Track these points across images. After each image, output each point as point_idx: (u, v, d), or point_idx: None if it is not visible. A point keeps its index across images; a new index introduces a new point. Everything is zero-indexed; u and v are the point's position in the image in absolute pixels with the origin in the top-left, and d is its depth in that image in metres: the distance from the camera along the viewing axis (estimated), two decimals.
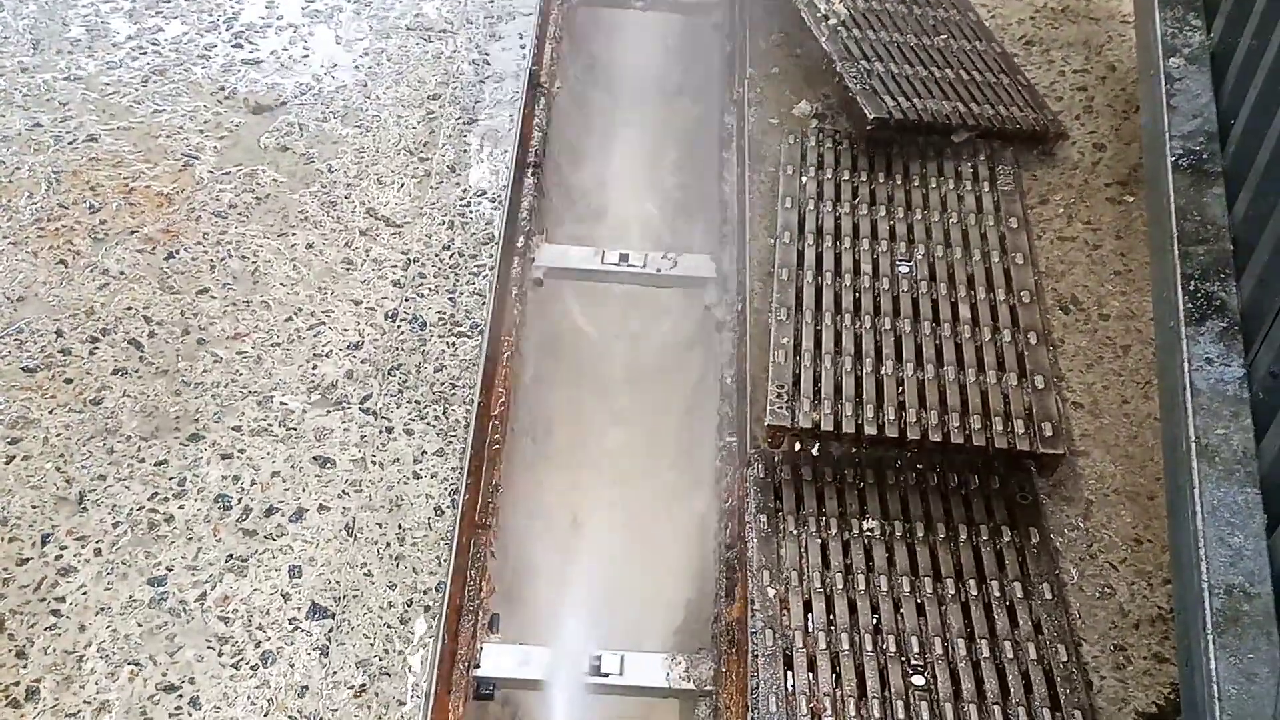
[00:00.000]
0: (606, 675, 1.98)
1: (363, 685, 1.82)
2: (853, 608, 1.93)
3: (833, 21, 2.86)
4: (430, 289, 2.36)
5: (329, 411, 2.16)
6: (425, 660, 1.85)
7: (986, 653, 1.88)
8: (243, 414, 2.14)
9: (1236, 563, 1.67)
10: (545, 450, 2.49)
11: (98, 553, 1.94)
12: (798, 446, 2.15)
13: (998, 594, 1.96)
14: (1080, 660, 1.89)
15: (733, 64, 3.00)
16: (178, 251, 2.39)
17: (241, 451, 2.09)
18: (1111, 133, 2.76)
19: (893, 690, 1.83)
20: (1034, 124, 2.69)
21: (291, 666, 1.84)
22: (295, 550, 1.97)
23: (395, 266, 2.40)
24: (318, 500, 2.03)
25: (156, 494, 2.02)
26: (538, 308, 2.60)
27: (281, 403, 2.16)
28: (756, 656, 1.87)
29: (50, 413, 2.12)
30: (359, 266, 2.39)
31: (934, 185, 2.58)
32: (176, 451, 2.08)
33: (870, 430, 2.11)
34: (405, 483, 2.07)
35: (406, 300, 2.34)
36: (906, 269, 2.39)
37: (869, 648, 1.88)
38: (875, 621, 1.92)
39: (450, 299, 2.35)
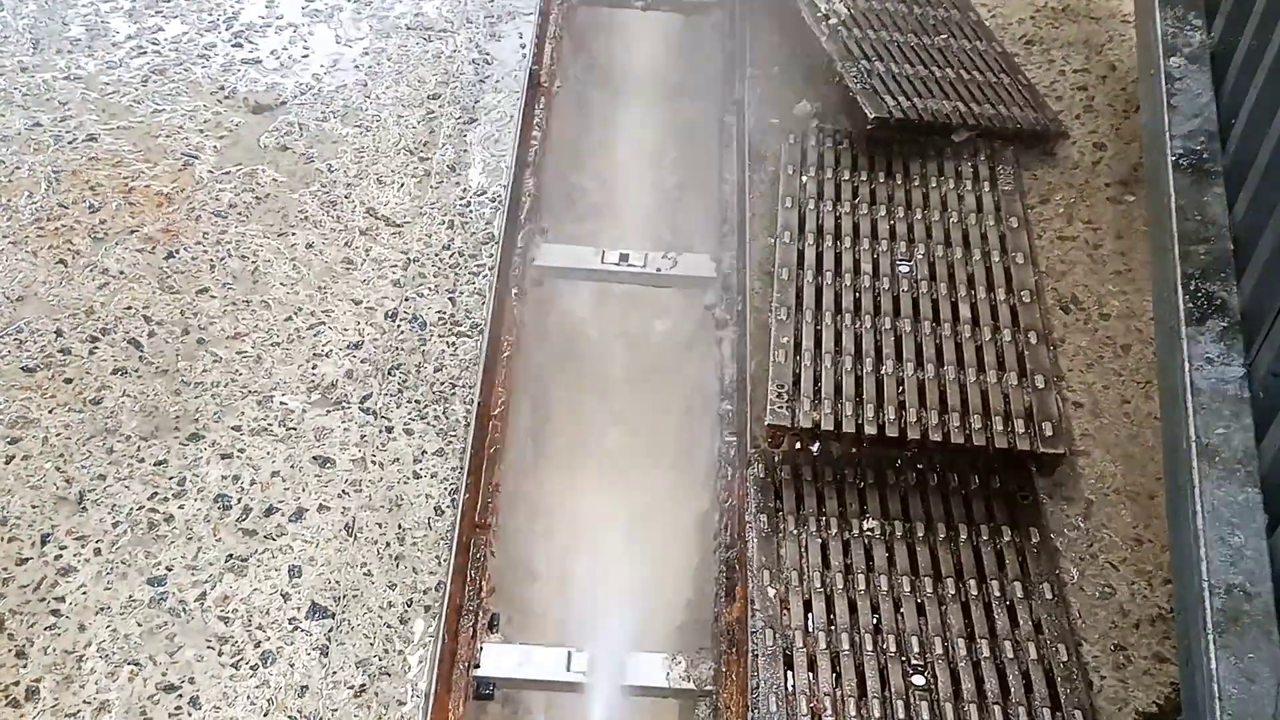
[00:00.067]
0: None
1: (363, 685, 1.82)
2: (853, 607, 1.93)
3: (833, 21, 2.85)
4: (430, 289, 2.36)
5: (329, 411, 2.16)
6: (425, 660, 1.85)
7: (987, 652, 1.88)
8: (242, 414, 2.14)
9: (1237, 562, 1.67)
10: (545, 450, 2.49)
11: (97, 552, 1.94)
12: (798, 446, 2.15)
13: (998, 594, 1.96)
14: (1080, 660, 1.89)
15: (733, 63, 3.00)
16: (177, 251, 2.39)
17: (241, 451, 2.09)
18: (1112, 132, 2.76)
19: (893, 690, 1.83)
20: (1034, 123, 2.69)
21: (291, 666, 1.84)
22: (295, 550, 1.97)
23: (395, 266, 2.40)
24: (318, 500, 2.03)
25: (156, 494, 2.02)
26: (538, 307, 2.60)
27: (281, 402, 2.16)
28: (756, 656, 1.87)
29: (50, 412, 2.12)
30: (359, 266, 2.39)
31: (934, 185, 2.58)
32: (176, 451, 2.08)
33: (870, 430, 2.11)
34: (405, 482, 2.07)
35: (406, 300, 2.34)
36: (907, 269, 2.39)
37: (869, 647, 1.88)
38: (875, 621, 1.92)
39: (450, 299, 2.35)
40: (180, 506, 2.01)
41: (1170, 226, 2.03)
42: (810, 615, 1.93)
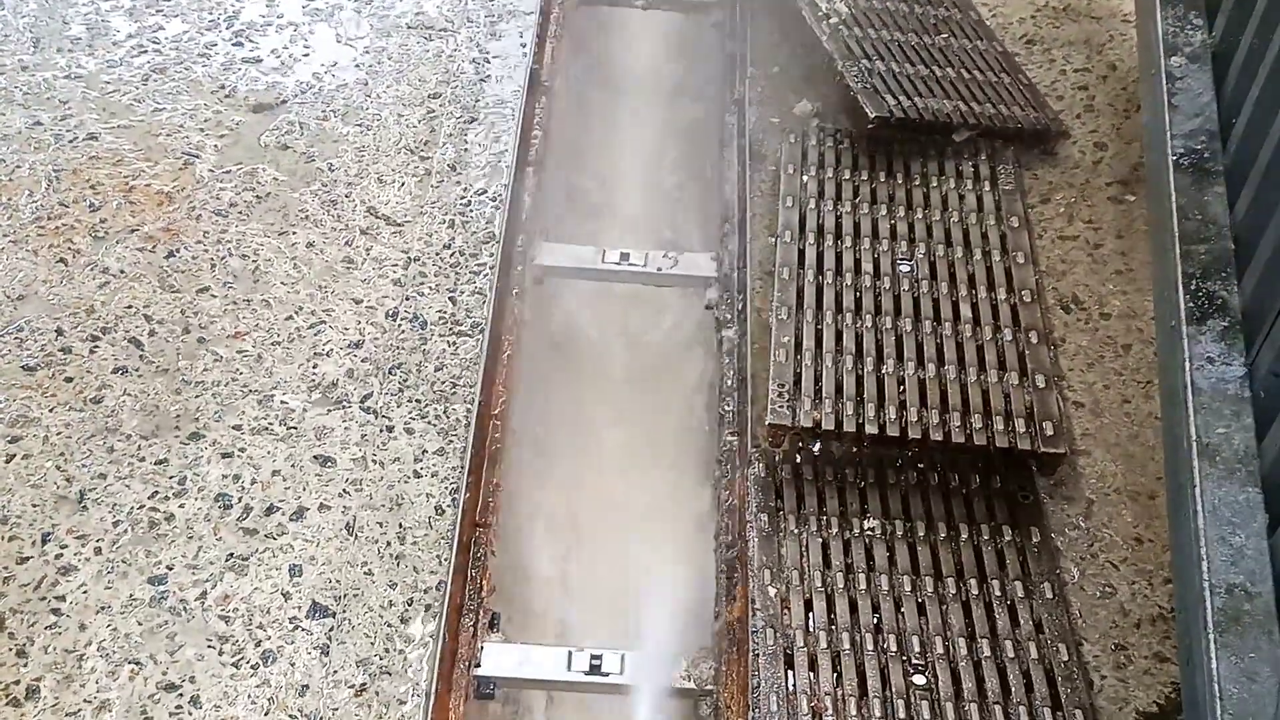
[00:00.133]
0: (607, 675, 1.98)
1: (363, 684, 1.82)
2: (854, 607, 1.93)
3: (834, 20, 2.85)
4: (431, 288, 2.36)
5: (329, 410, 2.15)
6: (426, 659, 1.85)
7: (987, 652, 1.88)
8: (243, 413, 2.14)
9: (1238, 562, 1.67)
10: (545, 450, 2.49)
11: (98, 551, 1.94)
12: (799, 445, 2.15)
13: (999, 593, 1.96)
14: (1081, 659, 1.89)
15: (733, 63, 3.00)
16: (178, 250, 2.39)
17: (242, 450, 2.09)
18: (1113, 131, 2.76)
19: (894, 689, 1.83)
20: (1035, 123, 2.69)
21: (292, 665, 1.84)
22: (296, 549, 1.97)
23: (396, 265, 2.40)
24: (318, 499, 2.03)
25: (157, 493, 2.02)
26: (538, 307, 2.60)
27: (282, 401, 2.16)
28: (757, 656, 1.87)
29: (50, 411, 2.12)
30: (360, 265, 2.39)
31: (935, 184, 2.58)
32: (177, 450, 2.08)
33: (871, 429, 2.11)
34: (406, 481, 2.07)
35: (407, 299, 2.34)
36: (907, 268, 2.39)
37: (870, 647, 1.88)
38: (876, 620, 1.92)
39: (451, 298, 2.35)
40: (181, 505, 2.01)
41: (1171, 226, 2.03)
42: (811, 614, 1.93)
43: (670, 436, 2.53)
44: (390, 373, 2.22)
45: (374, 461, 2.09)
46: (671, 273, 2.60)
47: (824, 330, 2.27)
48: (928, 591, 1.96)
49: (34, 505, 1.99)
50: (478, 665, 1.97)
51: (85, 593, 1.89)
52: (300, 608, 1.90)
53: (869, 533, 2.04)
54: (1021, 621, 1.92)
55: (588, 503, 2.43)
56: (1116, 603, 1.99)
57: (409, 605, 1.91)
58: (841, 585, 1.96)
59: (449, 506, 2.04)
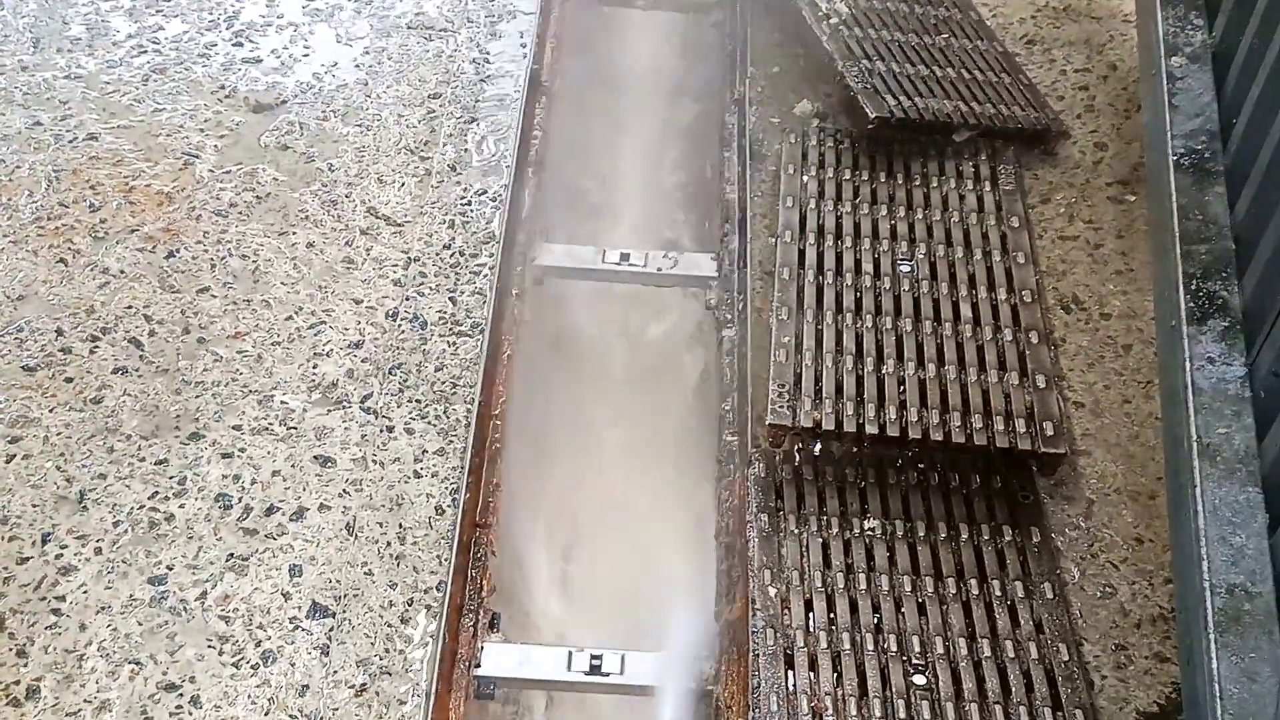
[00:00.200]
0: (607, 674, 1.98)
1: (363, 684, 1.82)
2: (854, 607, 1.93)
3: (834, 20, 2.85)
4: (431, 288, 2.36)
5: (329, 410, 2.15)
6: (426, 659, 1.85)
7: (988, 652, 1.88)
8: (243, 413, 2.14)
9: (1238, 562, 1.67)
10: (545, 450, 2.48)
11: (98, 551, 1.94)
12: (799, 445, 2.15)
13: (999, 593, 1.96)
14: (1081, 659, 1.89)
15: (734, 63, 3.00)
16: (178, 250, 2.39)
17: (242, 450, 2.09)
18: (1113, 132, 2.76)
19: (894, 689, 1.83)
20: (1035, 123, 2.69)
21: (292, 665, 1.84)
22: (296, 549, 1.97)
23: (396, 265, 2.39)
24: (318, 499, 2.03)
25: (157, 493, 2.02)
26: (538, 307, 2.60)
27: (282, 402, 2.16)
28: (757, 656, 1.87)
29: (50, 411, 2.11)
30: (360, 265, 2.39)
31: (935, 184, 2.58)
32: (177, 450, 2.08)
33: (871, 429, 2.11)
34: (406, 482, 2.07)
35: (407, 299, 2.34)
36: (908, 268, 2.39)
37: (870, 647, 1.88)
38: (876, 620, 1.92)
39: (451, 298, 2.34)
40: (181, 506, 2.01)
41: (1171, 226, 2.03)
42: (811, 614, 1.93)
43: (670, 436, 2.53)
44: (390, 373, 2.22)
45: (374, 461, 2.09)
46: (671, 273, 2.60)
47: (824, 330, 2.27)
48: (928, 591, 1.95)
49: (34, 505, 1.99)
50: (478, 665, 1.97)
51: (85, 593, 1.89)
52: (300, 608, 1.90)
53: (869, 533, 2.04)
54: (1022, 621, 1.92)
55: (588, 502, 2.42)
56: (1117, 603, 1.99)
57: (409, 605, 1.91)
58: (842, 585, 1.96)
59: (449, 506, 2.04)
